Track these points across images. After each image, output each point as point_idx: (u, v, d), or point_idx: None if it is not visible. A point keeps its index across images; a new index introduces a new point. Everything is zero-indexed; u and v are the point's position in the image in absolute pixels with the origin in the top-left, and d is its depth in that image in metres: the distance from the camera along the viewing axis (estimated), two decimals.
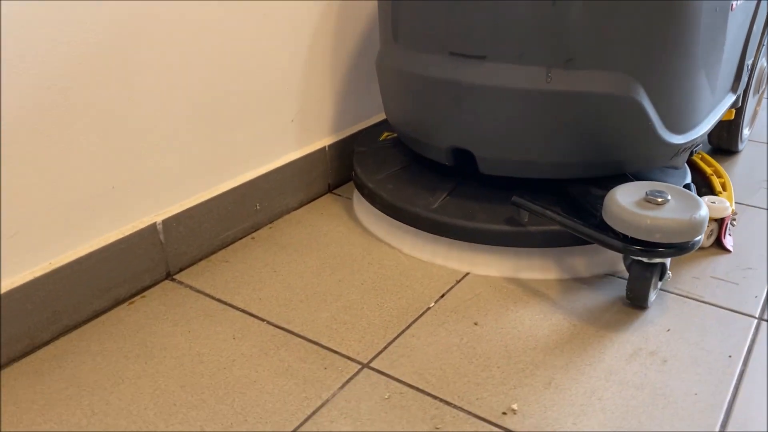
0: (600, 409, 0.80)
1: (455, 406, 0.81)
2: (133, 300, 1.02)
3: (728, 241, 1.12)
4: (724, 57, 1.12)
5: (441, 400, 0.82)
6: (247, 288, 1.05)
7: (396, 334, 0.93)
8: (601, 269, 1.07)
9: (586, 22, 0.93)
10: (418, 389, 0.83)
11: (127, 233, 0.99)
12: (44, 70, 0.83)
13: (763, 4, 1.27)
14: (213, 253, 1.15)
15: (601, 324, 0.95)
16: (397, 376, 0.86)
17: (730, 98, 1.26)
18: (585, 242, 0.99)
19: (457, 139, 1.07)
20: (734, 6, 1.08)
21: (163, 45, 0.96)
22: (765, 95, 1.61)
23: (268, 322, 0.96)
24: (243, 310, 0.99)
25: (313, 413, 0.80)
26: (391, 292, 1.03)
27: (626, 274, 0.98)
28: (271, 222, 1.25)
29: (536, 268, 1.06)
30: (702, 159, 1.34)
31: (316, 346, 0.91)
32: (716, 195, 1.19)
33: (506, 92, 0.98)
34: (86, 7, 0.86)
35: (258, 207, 1.21)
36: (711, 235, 1.11)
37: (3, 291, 0.86)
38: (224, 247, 1.17)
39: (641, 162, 1.07)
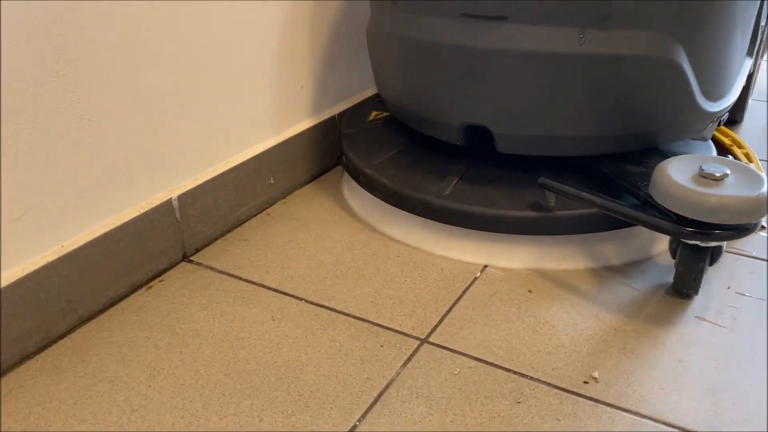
0: (683, 372, 0.75)
1: (532, 378, 0.75)
2: (150, 285, 0.92)
3: None
4: (749, 15, 1.06)
5: (515, 372, 0.76)
6: (275, 266, 0.96)
7: (448, 307, 0.87)
8: (633, 256, 0.96)
9: None
10: (487, 362, 0.77)
11: (142, 211, 0.90)
12: (49, 37, 0.73)
13: None
14: (228, 231, 1.06)
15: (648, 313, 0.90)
16: (461, 350, 0.79)
17: (749, 63, 1.22)
18: (616, 227, 0.91)
19: (470, 115, 0.95)
20: None
21: (173, 10, 0.87)
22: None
23: (307, 301, 0.89)
24: (276, 290, 0.91)
25: (381, 394, 0.73)
26: (432, 264, 0.96)
27: (662, 260, 0.92)
28: (284, 197, 1.17)
29: (562, 257, 0.95)
30: (717, 130, 1.30)
31: (365, 323, 0.84)
32: None
33: (531, 58, 0.87)
34: None
35: (272, 180, 1.13)
36: None
37: (13, 278, 0.75)
38: (239, 225, 1.08)
39: (674, 133, 0.98)
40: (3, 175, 0.72)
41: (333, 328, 0.83)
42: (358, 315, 0.86)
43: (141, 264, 0.91)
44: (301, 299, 0.89)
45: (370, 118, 1.19)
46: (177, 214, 0.95)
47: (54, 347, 0.81)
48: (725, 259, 0.96)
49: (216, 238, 1.04)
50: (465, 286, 0.90)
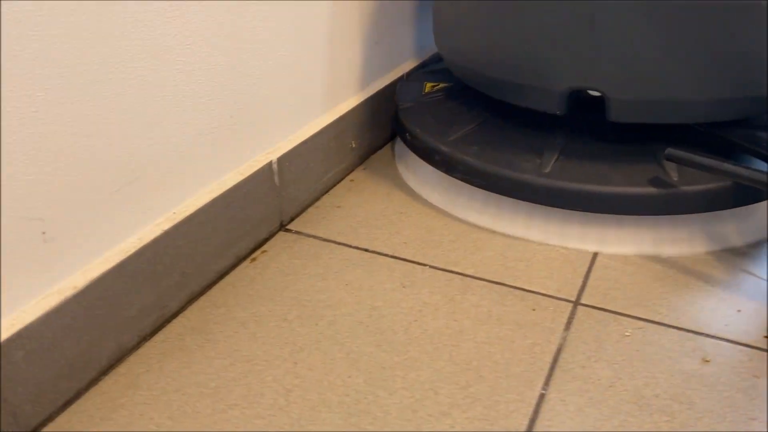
0: None
1: (713, 336, 0.69)
2: (254, 256, 0.84)
3: None
4: None
5: (689, 330, 0.70)
6: (382, 233, 0.89)
7: (587, 267, 0.81)
8: (756, 236, 0.85)
9: None
10: (656, 322, 0.72)
11: (246, 174, 0.81)
12: None
13: None
14: (317, 198, 0.98)
15: None
16: (621, 311, 0.74)
17: None
18: (744, 203, 0.81)
19: (582, 79, 0.81)
20: None
21: None
22: None
23: (432, 267, 0.82)
24: (394, 257, 0.84)
25: (555, 360, 0.66)
26: (532, 251, 0.89)
27: None
28: (362, 162, 1.09)
29: (682, 240, 0.83)
30: None
31: (504, 287, 0.77)
32: None
33: (664, 6, 0.74)
34: None
35: (353, 145, 1.04)
36: None
37: (132, 249, 0.66)
38: (326, 192, 1.00)
39: None
40: (115, 134, 0.63)
41: (472, 293, 0.77)
42: (493, 279, 0.79)
43: (245, 233, 0.83)
44: (424, 265, 0.82)
45: (426, 91, 1.07)
46: (276, 178, 0.86)
47: (171, 326, 0.72)
48: None
49: (308, 206, 0.95)
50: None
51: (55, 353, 0.60)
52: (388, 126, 1.12)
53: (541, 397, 0.62)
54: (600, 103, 0.82)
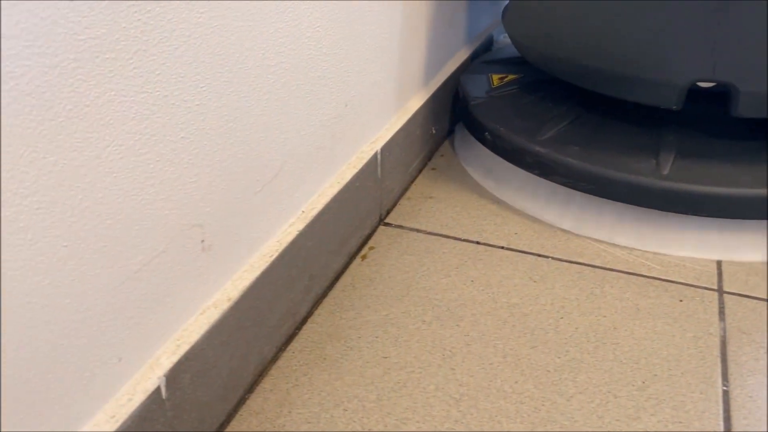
0: None
1: None
2: (363, 253, 0.79)
3: None
4: None
5: None
6: (488, 224, 0.84)
7: (715, 266, 0.78)
8: None
9: None
10: None
11: (358, 167, 0.75)
12: None
13: None
14: (406, 189, 0.93)
15: None
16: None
17: None
18: None
19: (706, 70, 0.73)
20: None
21: None
22: None
23: (555, 258, 0.78)
24: (511, 249, 0.79)
25: (724, 352, 0.63)
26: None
27: None
28: (438, 148, 1.04)
29: None
30: None
31: (642, 279, 0.74)
32: None
33: None
34: None
35: (433, 131, 0.99)
36: None
37: (274, 253, 0.61)
38: (413, 181, 0.94)
39: None
40: (257, 128, 0.57)
41: (609, 285, 0.73)
42: (626, 270, 0.75)
43: (355, 230, 0.77)
44: (546, 257, 0.78)
45: (495, 84, 0.99)
46: (379, 170, 0.81)
47: (303, 333, 0.66)
48: None
49: (399, 197, 0.90)
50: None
51: (213, 373, 0.54)
52: (449, 115, 1.07)
53: (726, 394, 0.59)
54: (715, 96, 0.77)
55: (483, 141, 0.90)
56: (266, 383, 0.61)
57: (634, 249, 0.78)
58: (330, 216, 0.70)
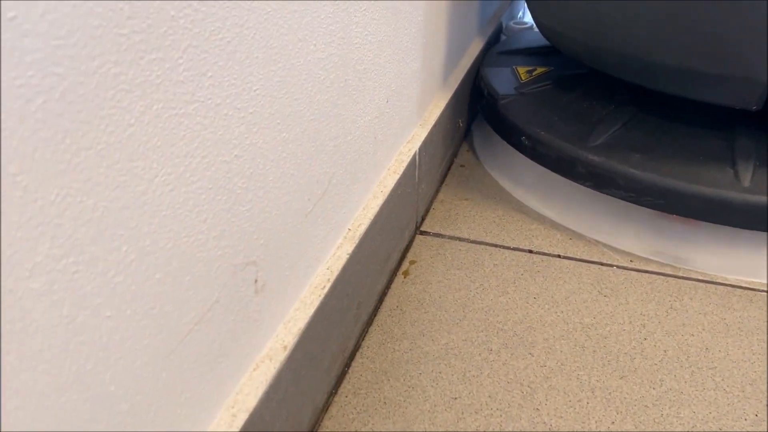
0: None
1: None
2: (404, 269, 0.69)
3: None
4: None
5: None
6: (538, 229, 0.76)
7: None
8: None
9: None
10: None
11: (399, 172, 0.66)
12: None
13: None
14: (438, 190, 0.83)
15: None
16: None
17: None
18: None
19: None
20: None
21: None
22: None
23: (621, 267, 0.69)
24: (569, 257, 0.71)
25: None
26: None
27: None
28: (462, 143, 0.95)
29: None
30: None
31: (721, 287, 0.66)
32: None
33: None
34: None
35: (460, 124, 0.90)
36: None
37: (327, 284, 0.51)
38: (443, 181, 0.85)
39: None
40: (308, 136, 0.47)
41: (688, 297, 0.65)
42: (702, 278, 0.68)
43: (395, 243, 0.68)
44: (610, 266, 0.70)
45: (523, 79, 0.87)
46: (417, 173, 0.71)
47: (353, 370, 0.57)
48: None
49: (432, 200, 0.81)
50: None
51: None
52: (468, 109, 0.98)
53: None
54: None
55: (519, 147, 0.77)
56: None
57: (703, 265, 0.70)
58: (376, 232, 0.60)
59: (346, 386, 0.55)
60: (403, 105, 0.66)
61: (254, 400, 0.41)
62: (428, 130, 0.74)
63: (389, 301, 0.65)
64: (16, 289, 0.24)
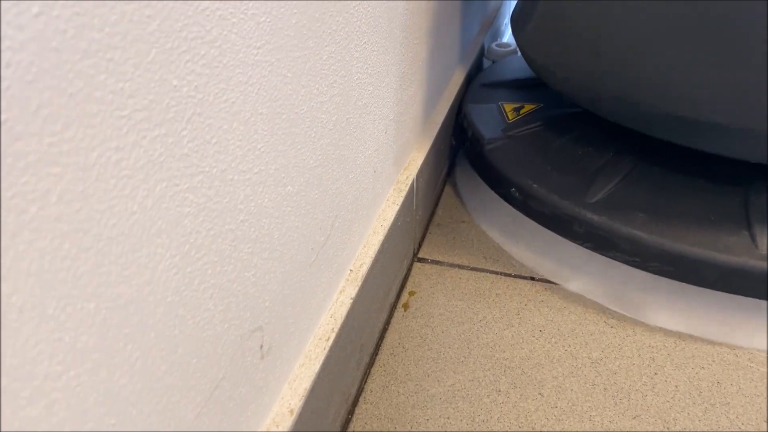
0: None
1: None
2: (404, 301, 0.67)
3: None
4: None
5: None
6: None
7: None
8: None
9: None
10: None
11: (398, 203, 0.63)
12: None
13: None
14: (433, 212, 0.81)
15: None
16: None
17: None
18: None
19: None
20: None
21: None
22: None
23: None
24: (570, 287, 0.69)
25: None
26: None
27: None
28: (455, 161, 0.92)
29: None
30: None
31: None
32: None
33: None
34: None
35: (453, 142, 0.88)
36: None
37: (332, 333, 0.48)
38: (437, 203, 0.83)
39: None
40: (315, 175, 0.44)
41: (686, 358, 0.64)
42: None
43: (394, 274, 0.65)
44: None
45: (511, 119, 0.78)
46: (414, 199, 0.69)
47: (357, 418, 0.54)
48: None
49: (428, 224, 0.79)
50: None
51: None
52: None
53: None
54: None
55: (509, 199, 0.69)
56: None
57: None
58: (378, 269, 0.57)
59: None
60: (401, 131, 0.64)
61: None
62: (424, 154, 0.71)
63: (390, 338, 0.62)
64: (13, 419, 0.21)
